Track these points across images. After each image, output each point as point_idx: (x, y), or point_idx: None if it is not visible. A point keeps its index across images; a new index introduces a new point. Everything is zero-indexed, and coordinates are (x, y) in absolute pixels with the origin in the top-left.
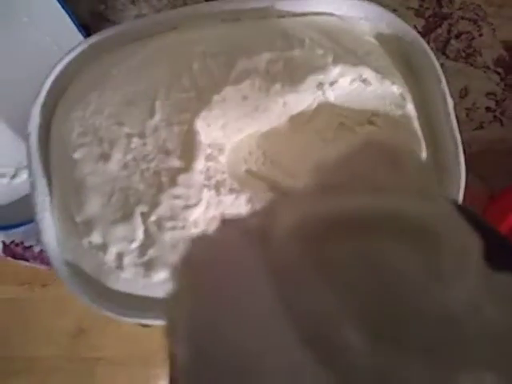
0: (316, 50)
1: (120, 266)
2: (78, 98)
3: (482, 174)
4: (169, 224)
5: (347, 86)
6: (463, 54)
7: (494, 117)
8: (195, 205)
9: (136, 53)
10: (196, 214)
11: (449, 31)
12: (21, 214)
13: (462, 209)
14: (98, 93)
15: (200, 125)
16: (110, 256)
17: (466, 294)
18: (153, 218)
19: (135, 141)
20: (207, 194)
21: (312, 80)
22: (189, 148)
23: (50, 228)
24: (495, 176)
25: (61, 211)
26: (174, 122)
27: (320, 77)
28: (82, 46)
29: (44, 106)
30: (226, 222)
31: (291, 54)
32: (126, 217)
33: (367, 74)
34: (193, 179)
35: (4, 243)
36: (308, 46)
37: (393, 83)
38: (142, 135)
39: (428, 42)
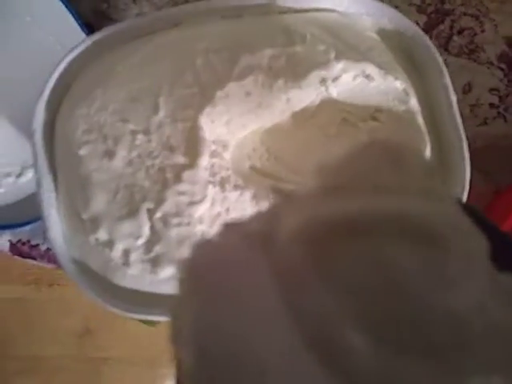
0: (318, 46)
1: (126, 263)
2: (82, 95)
3: (486, 170)
4: (174, 220)
5: (350, 81)
6: (466, 50)
7: (498, 113)
8: (200, 201)
9: (139, 50)
10: (201, 210)
11: (451, 27)
12: (27, 212)
13: (467, 208)
14: (102, 90)
15: (204, 121)
16: (117, 253)
17: (472, 295)
18: (158, 214)
19: (140, 137)
20: (212, 191)
21: (315, 76)
22: (193, 144)
23: (56, 225)
24: (499, 172)
25: (67, 208)
26: (178, 118)
27: (323, 72)
28: (86, 43)
29: (48, 103)
30: (228, 227)
31: (293, 50)
32: (132, 213)
33: (370, 69)
34: (197, 176)
35: (11, 242)
36: (310, 41)
37: (396, 78)
38: (146, 132)
39: (430, 39)
